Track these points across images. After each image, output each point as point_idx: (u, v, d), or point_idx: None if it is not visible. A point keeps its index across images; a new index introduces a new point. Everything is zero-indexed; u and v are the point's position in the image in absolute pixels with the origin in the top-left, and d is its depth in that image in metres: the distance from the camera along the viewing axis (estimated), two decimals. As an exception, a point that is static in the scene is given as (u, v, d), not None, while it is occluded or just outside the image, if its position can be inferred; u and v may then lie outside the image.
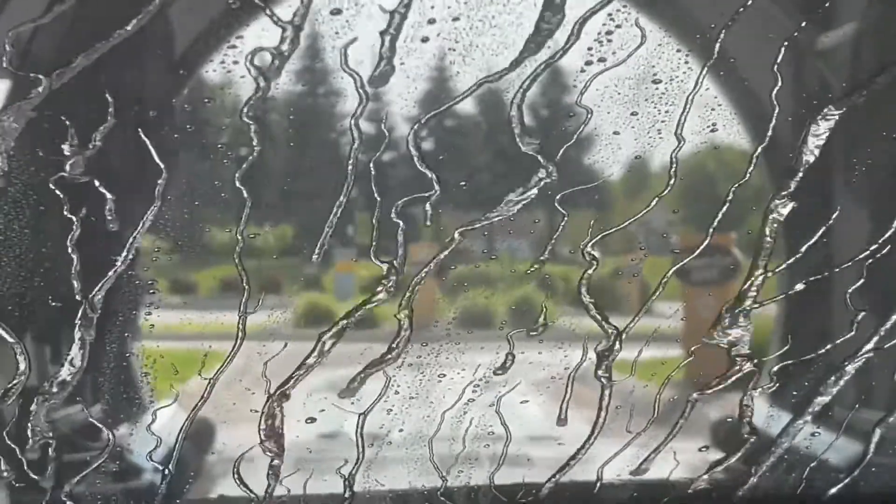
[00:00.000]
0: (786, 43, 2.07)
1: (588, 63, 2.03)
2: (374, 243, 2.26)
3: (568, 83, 2.19)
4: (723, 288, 2.48)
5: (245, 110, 2.14)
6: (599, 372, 2.39)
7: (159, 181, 2.08)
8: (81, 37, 2.00)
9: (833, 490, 2.51)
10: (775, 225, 2.29)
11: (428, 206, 2.28)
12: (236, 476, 2.29)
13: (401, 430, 2.35)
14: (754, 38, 2.10)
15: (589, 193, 2.41)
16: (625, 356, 2.53)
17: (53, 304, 2.12)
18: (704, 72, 2.06)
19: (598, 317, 2.36)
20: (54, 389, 2.16)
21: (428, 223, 2.31)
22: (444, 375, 2.38)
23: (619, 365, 2.53)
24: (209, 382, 2.23)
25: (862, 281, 2.44)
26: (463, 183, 2.43)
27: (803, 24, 2.12)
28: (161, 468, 2.29)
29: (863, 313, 2.43)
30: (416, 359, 2.35)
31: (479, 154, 2.62)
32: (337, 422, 2.35)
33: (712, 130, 2.16)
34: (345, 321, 2.29)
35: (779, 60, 2.09)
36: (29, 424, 2.17)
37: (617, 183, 2.45)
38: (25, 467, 2.19)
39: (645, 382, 2.46)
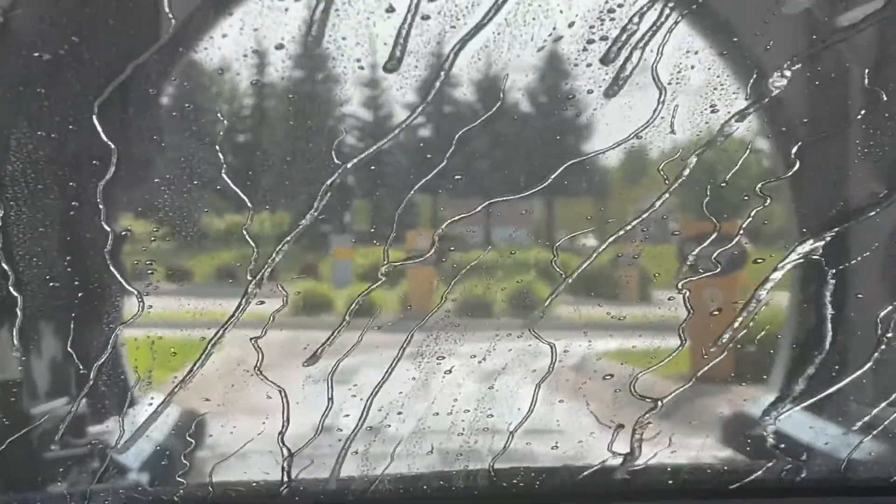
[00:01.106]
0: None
1: (590, 42, 2.03)
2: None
3: (567, 69, 2.18)
4: (728, 276, 2.45)
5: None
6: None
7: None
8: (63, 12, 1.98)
9: (827, 478, 2.51)
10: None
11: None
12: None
13: (399, 413, 2.34)
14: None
15: (588, 179, 2.40)
16: (624, 344, 2.53)
17: (51, 284, 2.10)
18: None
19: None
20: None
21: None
22: (444, 358, 2.37)
23: (620, 354, 2.53)
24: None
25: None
26: (458, 176, 2.43)
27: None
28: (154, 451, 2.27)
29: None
30: (415, 343, 2.34)
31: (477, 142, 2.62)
32: (334, 412, 2.34)
33: (712, 111, 2.16)
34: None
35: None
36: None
37: (616, 168, 2.45)
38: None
39: (642, 369, 2.46)
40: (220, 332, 2.17)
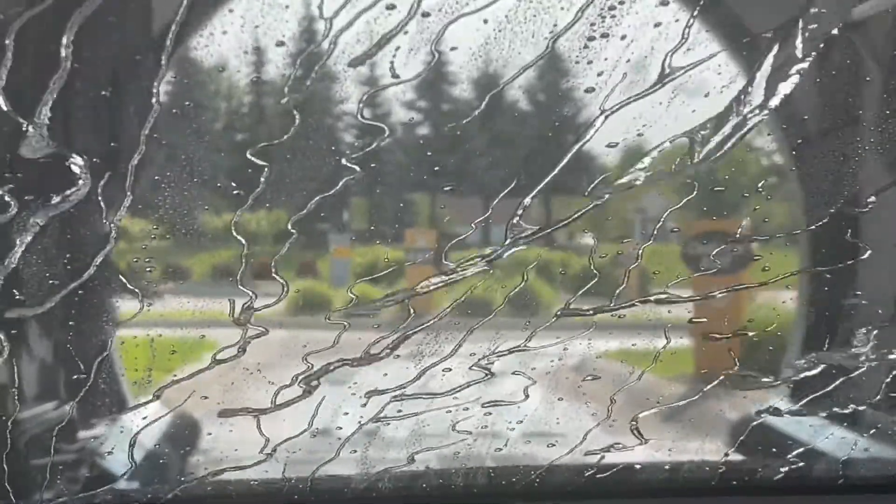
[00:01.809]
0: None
1: (591, 39, 2.02)
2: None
3: (568, 66, 2.18)
4: (733, 277, 2.43)
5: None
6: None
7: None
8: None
9: (825, 476, 2.52)
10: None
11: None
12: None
13: (399, 411, 2.34)
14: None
15: (588, 178, 2.40)
16: (625, 345, 2.53)
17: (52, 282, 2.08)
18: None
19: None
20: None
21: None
22: (444, 360, 2.36)
23: (619, 353, 2.52)
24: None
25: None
26: (448, 187, 2.42)
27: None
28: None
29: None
30: (414, 342, 2.33)
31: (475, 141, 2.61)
32: (333, 411, 2.33)
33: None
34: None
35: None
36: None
37: (615, 167, 2.44)
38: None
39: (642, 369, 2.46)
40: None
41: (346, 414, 2.33)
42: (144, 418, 2.23)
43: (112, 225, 2.00)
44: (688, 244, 2.50)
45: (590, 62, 2.05)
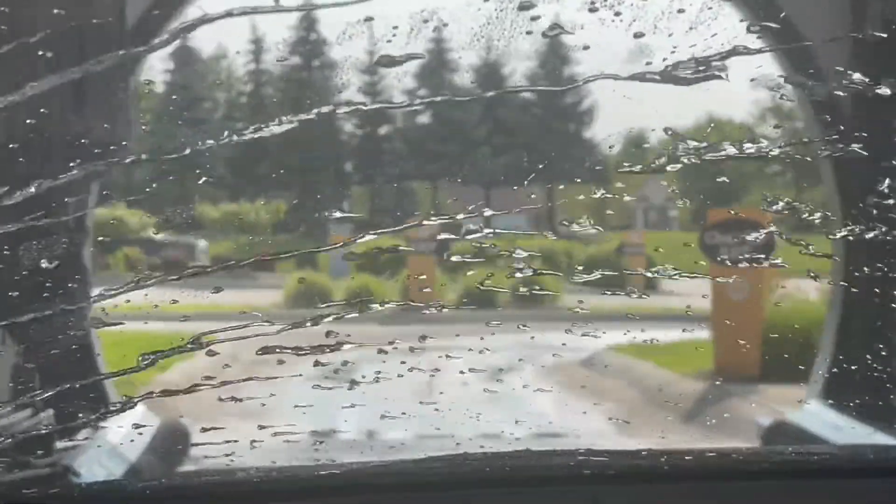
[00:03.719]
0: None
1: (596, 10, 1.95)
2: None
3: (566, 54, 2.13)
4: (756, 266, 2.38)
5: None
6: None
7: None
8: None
9: (827, 462, 2.50)
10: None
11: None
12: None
13: (400, 404, 2.32)
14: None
15: (590, 167, 2.36)
16: (629, 336, 2.50)
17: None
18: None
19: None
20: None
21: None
22: (447, 354, 2.34)
23: (633, 349, 2.50)
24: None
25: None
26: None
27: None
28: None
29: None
30: (416, 338, 2.31)
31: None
32: (335, 404, 2.30)
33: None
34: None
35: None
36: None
37: (616, 156, 2.41)
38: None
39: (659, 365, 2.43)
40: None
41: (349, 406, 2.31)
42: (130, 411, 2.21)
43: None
44: (706, 233, 2.46)
45: (586, 48, 1.99)
